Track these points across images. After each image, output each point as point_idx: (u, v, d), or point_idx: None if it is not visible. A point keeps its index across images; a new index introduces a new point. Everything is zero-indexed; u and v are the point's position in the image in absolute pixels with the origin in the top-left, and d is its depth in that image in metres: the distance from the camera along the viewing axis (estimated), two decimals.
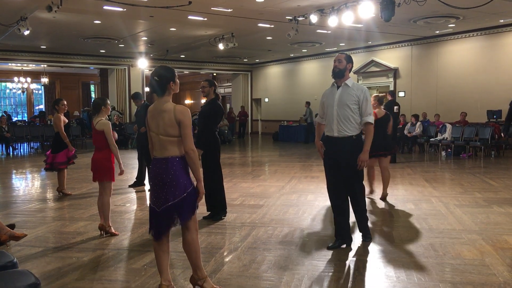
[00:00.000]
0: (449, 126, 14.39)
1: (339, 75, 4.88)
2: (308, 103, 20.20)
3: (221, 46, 16.38)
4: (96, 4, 11.61)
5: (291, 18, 13.06)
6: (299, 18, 12.95)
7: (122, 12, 12.48)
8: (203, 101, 6.75)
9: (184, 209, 3.55)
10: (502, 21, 14.13)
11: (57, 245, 5.21)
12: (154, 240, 3.67)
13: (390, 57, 18.68)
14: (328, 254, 4.76)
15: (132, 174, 10.05)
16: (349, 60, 4.92)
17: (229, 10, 12.53)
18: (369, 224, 5.27)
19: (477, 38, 15.76)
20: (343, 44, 18.63)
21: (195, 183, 3.62)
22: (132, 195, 8.30)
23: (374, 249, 4.91)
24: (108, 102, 5.79)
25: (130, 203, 7.60)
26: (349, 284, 3.98)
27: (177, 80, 3.76)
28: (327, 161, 5.00)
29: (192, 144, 3.57)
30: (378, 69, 18.83)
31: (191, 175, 3.64)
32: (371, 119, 4.85)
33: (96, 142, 5.55)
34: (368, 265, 4.45)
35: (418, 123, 15.37)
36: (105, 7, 11.99)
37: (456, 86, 16.16)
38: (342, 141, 4.83)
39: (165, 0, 11.24)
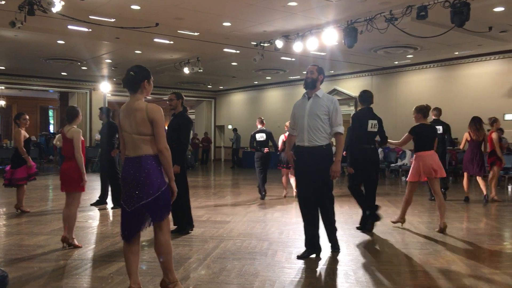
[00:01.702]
0: (408, 152, 14.80)
1: (310, 85, 4.99)
2: (235, 130, 22.37)
3: (186, 70, 16.40)
4: (61, 23, 11.46)
5: (256, 43, 13.28)
6: (264, 44, 13.18)
7: (87, 32, 12.37)
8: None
9: (158, 208, 3.49)
10: (457, 53, 14.83)
11: (17, 257, 4.99)
12: (125, 241, 3.57)
13: (351, 86, 19.20)
14: (299, 262, 4.75)
15: (93, 194, 9.79)
16: (321, 72, 5.05)
17: (196, 34, 12.62)
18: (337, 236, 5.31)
19: (433, 69, 16.46)
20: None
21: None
22: (95, 212, 8.06)
23: (343, 258, 4.94)
24: (79, 111, 5.70)
25: (93, 220, 7.38)
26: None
27: (152, 82, 3.75)
28: (298, 171, 5.04)
29: (165, 143, 3.54)
30: (340, 98, 19.25)
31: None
32: (341, 129, 4.96)
33: (66, 151, 5.41)
34: (338, 272, 4.46)
35: (379, 150, 15.75)
36: (70, 27, 11.84)
37: None
38: (312, 151, 4.90)
39: (132, 22, 11.23)
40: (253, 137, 10.22)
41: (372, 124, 6.46)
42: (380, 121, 6.60)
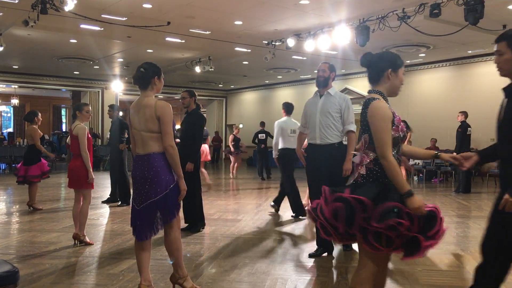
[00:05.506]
0: None
1: (323, 84, 4.95)
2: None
3: (197, 69, 16.41)
4: (74, 22, 11.52)
5: (267, 42, 13.25)
6: (276, 43, 13.14)
7: (99, 31, 12.42)
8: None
9: (167, 206, 3.47)
10: (470, 52, 14.67)
11: (29, 253, 5.01)
12: (137, 240, 3.56)
13: (363, 85, 19.07)
14: (310, 261, 4.71)
15: (105, 192, 9.84)
16: (332, 69, 5.01)
17: (207, 33, 12.62)
18: None
19: (446, 68, 16.30)
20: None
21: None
22: (106, 210, 8.09)
23: (355, 257, 4.89)
24: (85, 108, 5.64)
25: (104, 217, 7.40)
26: (334, 287, 3.94)
27: (162, 79, 3.75)
28: (310, 168, 5.00)
29: (171, 141, 3.50)
30: (351, 97, 19.12)
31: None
32: (353, 127, 4.91)
33: (74, 149, 5.41)
34: (350, 270, 4.41)
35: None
36: (82, 26, 11.89)
37: (427, 114, 16.56)
38: (324, 149, 4.86)
39: (144, 20, 11.26)
40: (256, 135, 15.10)
41: None
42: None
